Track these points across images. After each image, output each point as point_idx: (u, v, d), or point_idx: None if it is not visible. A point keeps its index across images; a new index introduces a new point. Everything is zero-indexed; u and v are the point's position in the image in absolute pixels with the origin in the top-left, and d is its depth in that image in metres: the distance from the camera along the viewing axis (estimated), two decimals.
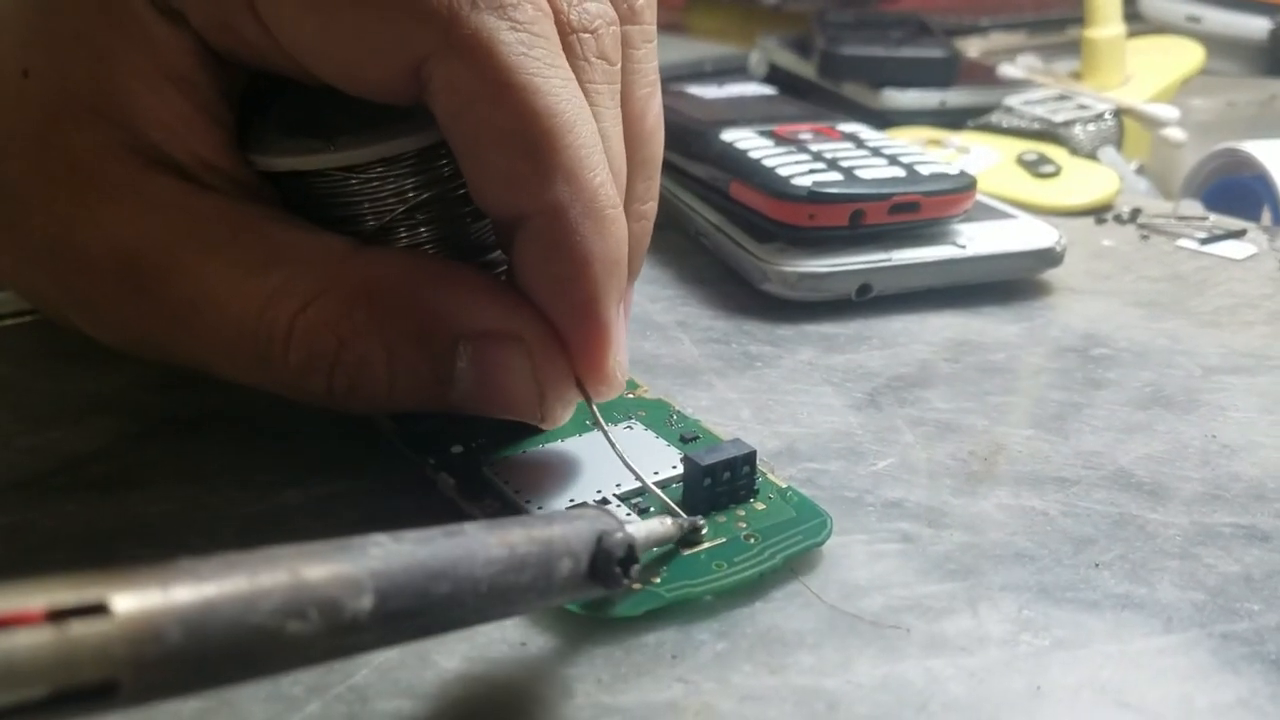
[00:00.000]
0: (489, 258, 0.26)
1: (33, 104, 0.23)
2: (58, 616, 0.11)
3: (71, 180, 0.23)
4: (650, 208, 0.27)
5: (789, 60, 0.63)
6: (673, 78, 0.50)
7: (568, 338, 0.23)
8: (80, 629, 0.11)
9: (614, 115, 0.24)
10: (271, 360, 0.23)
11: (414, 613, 0.15)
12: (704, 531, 0.22)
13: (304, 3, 0.22)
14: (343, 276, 0.23)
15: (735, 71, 0.68)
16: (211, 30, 0.23)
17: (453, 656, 0.20)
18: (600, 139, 0.23)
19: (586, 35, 0.24)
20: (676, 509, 0.23)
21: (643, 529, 0.20)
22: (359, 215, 0.24)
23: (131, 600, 0.11)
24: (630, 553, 0.19)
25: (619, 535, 0.19)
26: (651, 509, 0.23)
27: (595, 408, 0.24)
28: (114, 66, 0.23)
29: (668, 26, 0.86)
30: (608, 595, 0.19)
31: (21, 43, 0.24)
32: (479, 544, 0.16)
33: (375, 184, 0.24)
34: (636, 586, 0.21)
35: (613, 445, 0.23)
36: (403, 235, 0.25)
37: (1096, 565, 0.23)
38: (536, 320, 0.23)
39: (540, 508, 0.23)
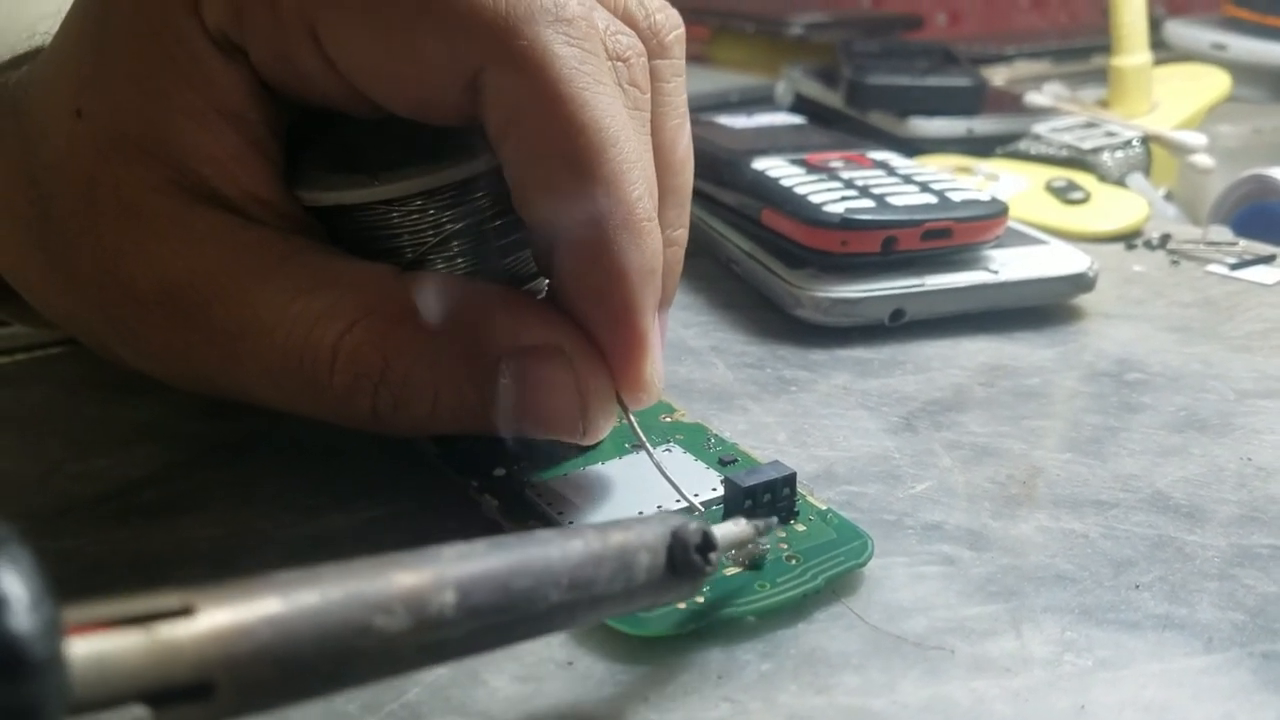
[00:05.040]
0: (525, 289, 0.26)
1: (84, 143, 0.24)
2: (144, 620, 0.11)
3: (119, 216, 0.24)
4: (682, 235, 0.28)
5: (815, 90, 0.63)
6: (700, 108, 0.51)
7: (605, 347, 0.23)
8: (168, 631, 0.11)
9: (645, 141, 0.25)
10: (318, 383, 0.23)
11: (498, 608, 0.15)
12: (776, 532, 0.23)
13: (364, 25, 0.22)
14: (387, 298, 0.23)
15: (761, 101, 0.68)
16: (270, 62, 0.24)
17: (502, 675, 0.20)
18: (641, 156, 0.23)
19: (619, 64, 0.24)
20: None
21: (718, 528, 0.20)
22: (399, 248, 0.25)
23: (217, 603, 0.12)
24: (707, 540, 0.19)
25: (693, 525, 0.19)
26: None
27: (634, 420, 0.24)
28: (166, 104, 0.24)
29: (693, 58, 0.86)
30: (691, 589, 0.20)
31: (76, 83, 0.24)
32: (553, 542, 0.16)
33: (415, 216, 0.24)
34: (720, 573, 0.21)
35: (652, 457, 0.24)
36: (440, 267, 0.25)
37: (1137, 587, 0.23)
38: (577, 335, 0.23)
39: None
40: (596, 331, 0.23)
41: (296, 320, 0.23)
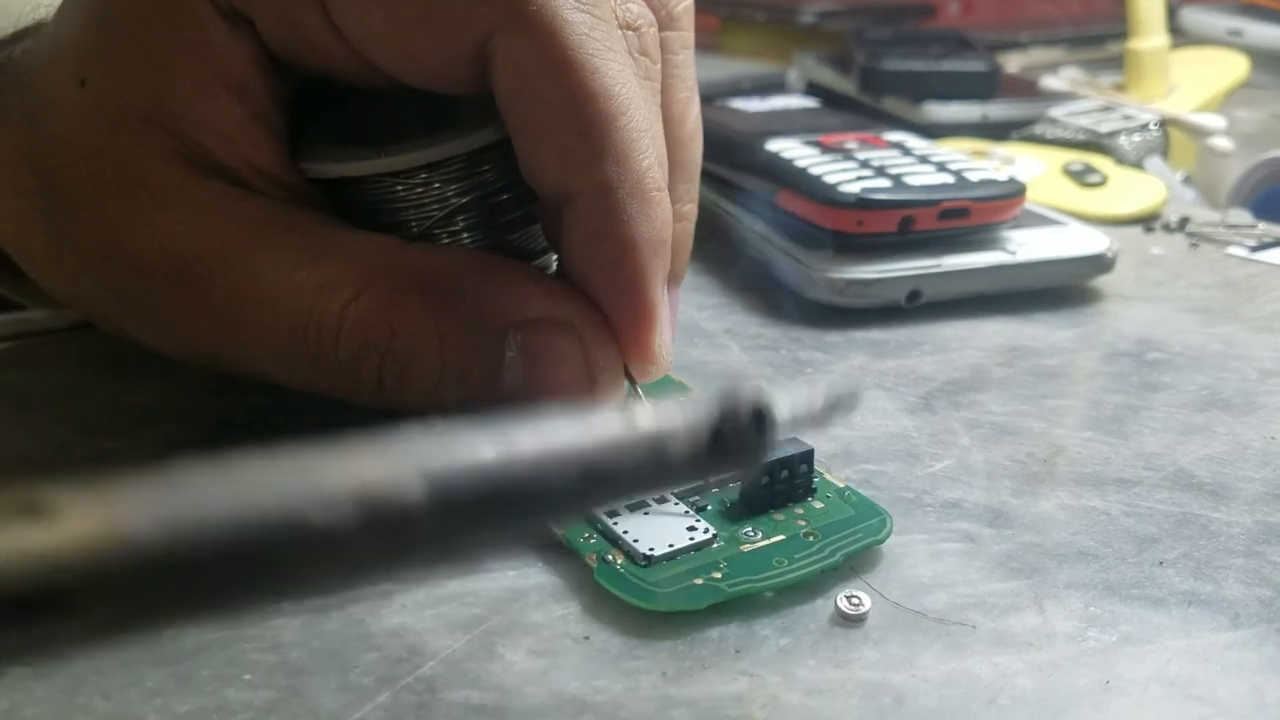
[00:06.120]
0: (533, 265, 0.26)
1: (88, 114, 0.24)
2: None
3: (123, 187, 0.24)
4: (691, 209, 0.28)
5: (827, 77, 0.63)
6: (713, 95, 0.50)
7: (613, 318, 0.23)
8: (16, 537, 0.10)
9: (655, 112, 0.25)
10: (322, 354, 0.23)
11: (482, 502, 0.13)
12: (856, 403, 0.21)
13: None
14: (394, 267, 0.23)
15: (774, 87, 0.68)
16: (278, 33, 0.23)
17: (518, 649, 0.20)
18: (651, 125, 0.23)
19: (630, 32, 0.24)
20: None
21: (781, 399, 0.17)
22: (404, 221, 0.25)
23: (80, 507, 0.10)
24: (761, 416, 0.16)
25: (748, 399, 0.16)
26: (709, 507, 0.23)
27: (643, 396, 0.24)
28: (170, 74, 0.23)
29: (703, 47, 0.86)
30: (749, 468, 0.18)
31: (80, 55, 0.24)
32: (562, 430, 0.14)
33: (421, 189, 0.24)
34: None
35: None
36: (446, 241, 0.25)
37: (1161, 563, 0.23)
38: (586, 307, 0.23)
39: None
40: (604, 302, 0.23)
41: (300, 290, 0.23)
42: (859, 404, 0.20)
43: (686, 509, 0.23)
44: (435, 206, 0.24)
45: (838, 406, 0.18)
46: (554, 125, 0.22)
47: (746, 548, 0.22)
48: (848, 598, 0.21)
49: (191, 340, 0.25)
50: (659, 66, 0.25)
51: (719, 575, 0.21)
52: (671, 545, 0.22)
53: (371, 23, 0.22)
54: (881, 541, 0.23)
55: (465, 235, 0.25)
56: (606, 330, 0.23)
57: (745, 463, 0.16)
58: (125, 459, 0.27)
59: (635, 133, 0.22)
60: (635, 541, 0.22)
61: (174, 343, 0.25)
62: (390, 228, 0.25)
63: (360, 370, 0.23)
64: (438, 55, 0.23)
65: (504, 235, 0.25)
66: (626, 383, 0.24)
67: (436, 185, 0.24)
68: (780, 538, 0.22)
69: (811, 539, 0.22)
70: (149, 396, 0.30)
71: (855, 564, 0.23)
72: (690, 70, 0.27)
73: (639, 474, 0.15)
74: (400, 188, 0.24)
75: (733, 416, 0.16)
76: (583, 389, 0.23)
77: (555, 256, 0.26)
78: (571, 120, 0.22)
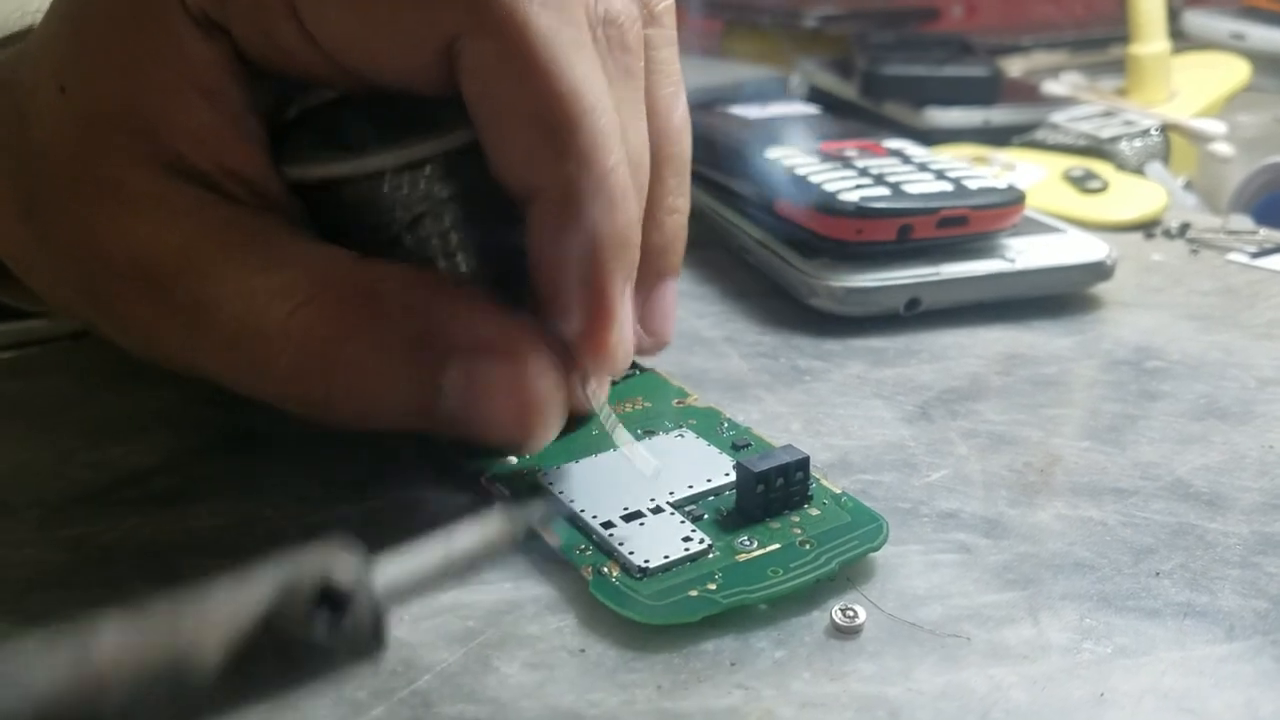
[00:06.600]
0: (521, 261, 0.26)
1: (67, 120, 0.24)
2: None
3: (98, 191, 0.24)
4: (683, 203, 0.28)
5: (829, 81, 0.63)
6: (714, 99, 0.51)
7: (570, 314, 0.23)
8: None
9: (637, 109, 0.25)
10: (266, 362, 0.23)
11: None
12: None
13: (343, 1, 0.22)
14: (342, 279, 0.23)
15: (775, 92, 0.68)
16: (252, 39, 0.23)
17: (513, 662, 0.20)
18: (619, 127, 0.23)
19: (612, 29, 0.24)
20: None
21: (391, 564, 0.14)
22: (385, 223, 0.25)
23: None
24: (331, 594, 0.13)
25: (311, 569, 0.13)
26: (705, 515, 0.23)
27: (606, 404, 0.24)
28: (144, 80, 0.24)
29: (707, 51, 0.86)
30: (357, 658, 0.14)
31: (59, 60, 0.24)
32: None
33: (405, 190, 0.24)
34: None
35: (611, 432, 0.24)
36: (433, 240, 0.25)
37: (1157, 574, 0.23)
38: (535, 338, 0.23)
39: (595, 516, 0.23)
40: (562, 298, 0.23)
41: (253, 295, 0.23)
42: (551, 520, 0.19)
43: (682, 518, 0.23)
44: (417, 206, 0.24)
45: (539, 520, 0.15)
46: (519, 126, 0.22)
47: (742, 557, 0.22)
48: (843, 610, 0.21)
49: (158, 344, 0.25)
50: (642, 63, 0.25)
51: (714, 587, 0.21)
52: (667, 557, 0.22)
53: (342, 27, 0.23)
54: (877, 549, 0.23)
55: (452, 233, 0.25)
56: (552, 364, 0.23)
57: (345, 655, 0.13)
58: (131, 463, 0.27)
59: (600, 134, 0.22)
60: (631, 553, 0.22)
61: (142, 344, 0.25)
62: (375, 229, 0.25)
63: (300, 380, 0.23)
64: (406, 58, 0.23)
65: (490, 230, 0.25)
66: (604, 400, 0.24)
67: (422, 185, 0.24)
68: (775, 546, 0.22)
69: (807, 547, 0.22)
70: (151, 404, 0.30)
71: (851, 575, 0.23)
72: (675, 66, 0.27)
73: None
74: (383, 188, 0.24)
75: (290, 600, 0.12)
76: (513, 425, 0.23)
77: None
78: (536, 121, 0.22)
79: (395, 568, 0.13)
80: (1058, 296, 0.37)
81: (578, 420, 0.27)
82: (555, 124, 0.22)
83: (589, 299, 0.23)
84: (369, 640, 0.12)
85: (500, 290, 0.25)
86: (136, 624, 0.12)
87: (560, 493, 0.24)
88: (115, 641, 0.11)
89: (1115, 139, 0.51)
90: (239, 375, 0.24)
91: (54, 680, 0.11)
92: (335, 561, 0.12)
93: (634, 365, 0.30)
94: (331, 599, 0.12)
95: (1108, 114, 0.54)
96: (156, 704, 0.11)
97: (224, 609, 0.12)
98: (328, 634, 0.12)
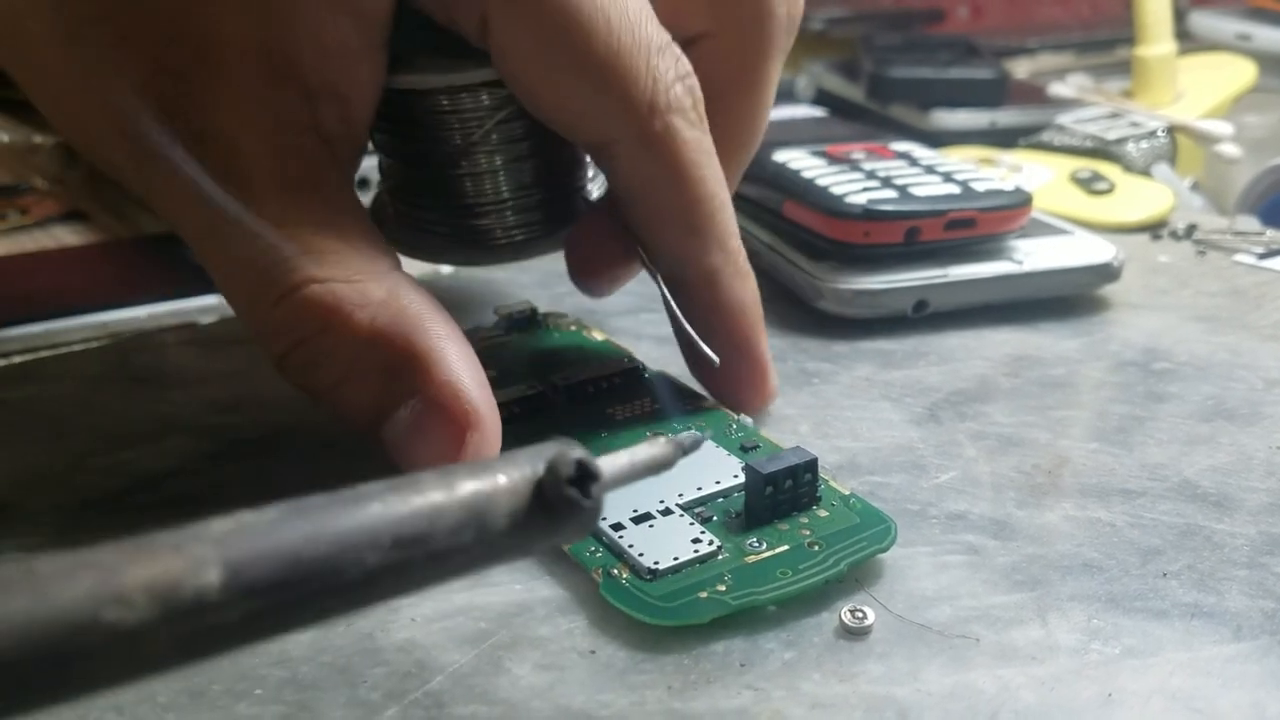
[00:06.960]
0: (577, 184, 0.30)
1: None
2: None
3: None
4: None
5: (836, 84, 0.63)
6: None
7: (735, 369, 0.28)
8: None
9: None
10: (263, 304, 0.23)
11: (284, 583, 0.13)
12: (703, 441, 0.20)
13: (535, 48, 0.24)
14: (363, 278, 0.23)
15: (782, 96, 0.68)
16: (438, 11, 0.25)
17: (524, 663, 0.20)
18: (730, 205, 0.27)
19: (695, 111, 0.27)
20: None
21: (623, 455, 0.18)
22: (447, 135, 0.27)
23: None
24: (584, 470, 0.16)
25: (571, 454, 0.16)
26: (714, 517, 0.24)
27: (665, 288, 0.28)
28: None
29: None
30: (575, 531, 0.16)
31: None
32: (371, 497, 0.14)
33: (468, 107, 0.27)
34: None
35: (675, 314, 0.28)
36: (481, 158, 0.28)
37: (1164, 575, 0.23)
38: (489, 411, 0.23)
39: (605, 518, 0.23)
40: (727, 357, 0.27)
41: (282, 245, 0.23)
42: (704, 439, 0.20)
43: (692, 520, 0.23)
44: (473, 125, 0.27)
45: (686, 448, 0.18)
46: (671, 222, 0.27)
47: (751, 559, 0.22)
48: (852, 611, 0.21)
49: (168, 177, 0.24)
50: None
51: (724, 588, 0.21)
52: (677, 558, 0.22)
53: (526, 71, 0.25)
54: (886, 550, 0.23)
55: (498, 156, 0.28)
56: (488, 440, 0.23)
57: (572, 523, 0.16)
58: (146, 468, 0.27)
59: (730, 223, 0.27)
60: (640, 555, 0.22)
61: (134, 168, 0.25)
62: (436, 141, 0.27)
63: (280, 336, 0.24)
64: (575, 129, 0.26)
65: (528, 160, 0.28)
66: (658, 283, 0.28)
67: (483, 101, 0.27)
68: (784, 548, 0.23)
69: (816, 549, 0.23)
70: (164, 409, 0.30)
71: (860, 576, 0.23)
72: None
73: (457, 540, 0.15)
74: (448, 104, 0.27)
75: (554, 473, 0.15)
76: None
77: (593, 176, 0.31)
78: (685, 219, 0.26)
79: (605, 462, 0.17)
80: (1065, 298, 0.37)
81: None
82: (701, 222, 0.26)
83: (747, 357, 0.28)
84: (598, 512, 0.16)
85: (534, 214, 0.29)
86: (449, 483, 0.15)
87: None
88: (433, 502, 0.15)
89: (1122, 140, 0.51)
90: (226, 284, 0.24)
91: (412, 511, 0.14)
92: (579, 450, 0.16)
93: (643, 367, 0.30)
94: (585, 473, 0.16)
95: (1114, 115, 0.54)
96: (465, 544, 0.15)
97: (500, 478, 0.15)
98: (584, 501, 0.15)
